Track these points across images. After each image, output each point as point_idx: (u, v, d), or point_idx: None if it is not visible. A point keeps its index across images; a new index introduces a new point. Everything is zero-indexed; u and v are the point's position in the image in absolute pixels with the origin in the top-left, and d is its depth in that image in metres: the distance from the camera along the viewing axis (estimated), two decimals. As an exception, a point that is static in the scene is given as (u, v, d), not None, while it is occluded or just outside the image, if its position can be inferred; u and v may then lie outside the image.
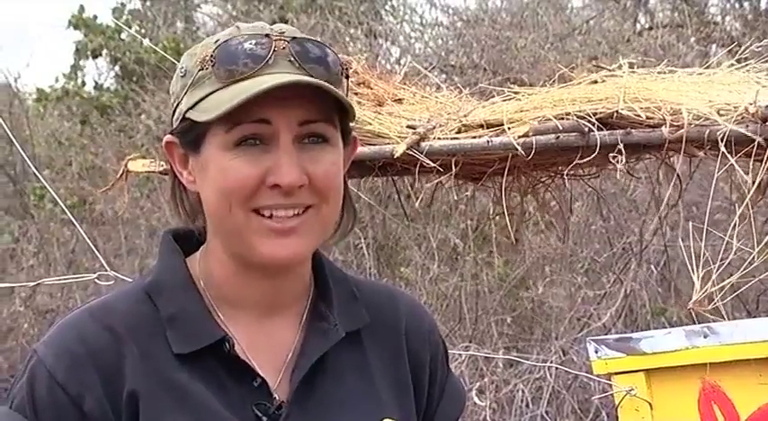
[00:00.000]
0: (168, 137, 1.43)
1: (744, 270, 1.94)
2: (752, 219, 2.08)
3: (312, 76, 1.37)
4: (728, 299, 2.11)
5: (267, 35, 1.39)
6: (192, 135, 1.40)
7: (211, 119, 1.35)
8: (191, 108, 1.39)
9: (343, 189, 1.44)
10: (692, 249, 1.98)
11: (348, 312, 1.49)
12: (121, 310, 1.42)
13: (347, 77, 1.43)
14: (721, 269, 1.97)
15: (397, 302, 1.56)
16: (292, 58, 1.38)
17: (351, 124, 1.46)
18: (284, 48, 1.38)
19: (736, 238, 2.00)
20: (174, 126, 1.42)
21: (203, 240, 1.48)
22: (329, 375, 1.45)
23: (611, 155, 1.97)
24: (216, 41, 1.40)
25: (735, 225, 1.96)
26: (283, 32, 1.40)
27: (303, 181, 1.37)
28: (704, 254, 1.92)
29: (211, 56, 1.38)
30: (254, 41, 1.38)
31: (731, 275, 2.13)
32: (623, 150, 1.96)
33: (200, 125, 1.38)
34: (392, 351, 1.52)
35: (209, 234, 1.46)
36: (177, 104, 1.42)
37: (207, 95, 1.37)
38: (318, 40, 1.43)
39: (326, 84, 1.37)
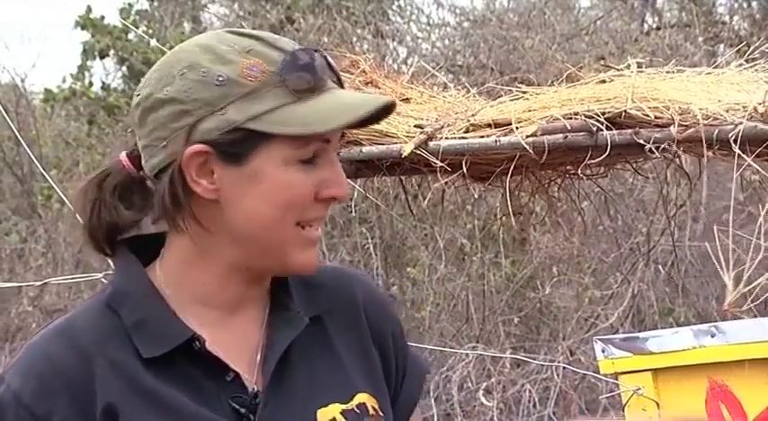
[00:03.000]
0: (200, 146, 1.38)
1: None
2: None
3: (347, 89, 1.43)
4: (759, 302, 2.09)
5: (316, 50, 1.41)
6: (241, 146, 1.39)
7: (307, 134, 1.36)
8: (250, 119, 1.38)
9: None
10: (718, 250, 1.96)
11: (306, 299, 1.51)
12: (85, 327, 1.41)
13: None
14: (751, 270, 1.95)
15: (352, 282, 1.58)
16: (329, 72, 1.40)
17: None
18: (322, 61, 1.40)
19: (764, 238, 1.98)
20: (214, 136, 1.39)
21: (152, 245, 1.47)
22: (298, 361, 1.46)
23: (648, 147, 1.96)
24: (248, 51, 1.38)
25: (760, 225, 1.94)
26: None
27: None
28: (734, 252, 1.91)
29: (280, 68, 1.37)
30: (314, 54, 1.39)
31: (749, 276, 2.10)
32: (640, 145, 1.97)
33: (257, 137, 1.38)
34: (355, 330, 1.54)
35: (205, 245, 1.44)
36: (212, 113, 1.39)
37: (275, 108, 1.37)
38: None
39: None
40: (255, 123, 1.37)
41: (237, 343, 1.45)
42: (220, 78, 1.38)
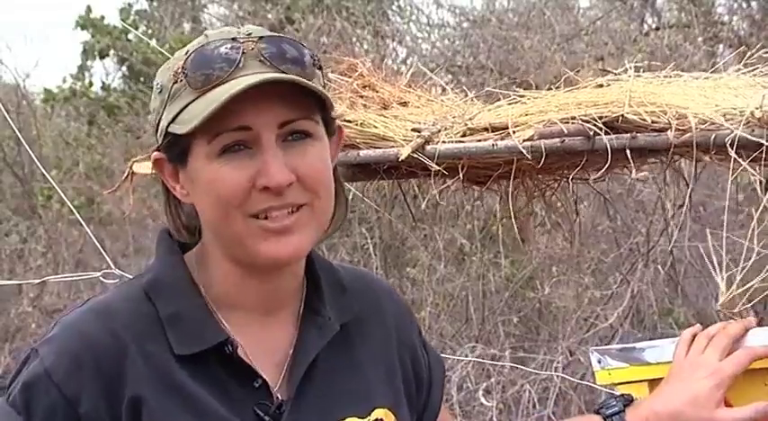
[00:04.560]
0: (156, 154, 1.43)
1: (765, 273, 1.92)
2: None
3: (284, 73, 1.37)
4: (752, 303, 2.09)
5: (234, 38, 1.38)
6: (177, 149, 1.40)
7: (189, 131, 1.35)
8: (171, 122, 1.39)
9: (333, 181, 1.44)
10: (711, 251, 1.96)
11: (339, 304, 1.50)
12: (123, 311, 1.41)
13: (320, 69, 1.43)
14: (744, 271, 1.95)
15: (376, 288, 1.59)
16: (262, 58, 1.37)
17: (333, 114, 1.46)
18: (253, 49, 1.37)
19: (756, 240, 1.98)
20: (159, 142, 1.42)
21: (191, 240, 1.48)
22: (321, 370, 1.46)
23: (635, 166, 1.97)
24: (186, 52, 1.40)
25: (753, 228, 1.94)
26: (250, 34, 1.40)
27: (291, 179, 1.37)
28: (724, 255, 1.91)
29: (183, 67, 1.38)
30: (221, 47, 1.37)
31: (745, 279, 2.10)
32: (629, 155, 1.97)
33: (183, 138, 1.38)
34: (380, 339, 1.53)
35: (206, 240, 1.46)
36: (159, 120, 1.41)
37: (184, 107, 1.37)
38: (287, 36, 1.43)
39: (298, 78, 1.36)
40: (174, 126, 1.39)
41: (266, 346, 1.45)
42: (158, 86, 1.42)
